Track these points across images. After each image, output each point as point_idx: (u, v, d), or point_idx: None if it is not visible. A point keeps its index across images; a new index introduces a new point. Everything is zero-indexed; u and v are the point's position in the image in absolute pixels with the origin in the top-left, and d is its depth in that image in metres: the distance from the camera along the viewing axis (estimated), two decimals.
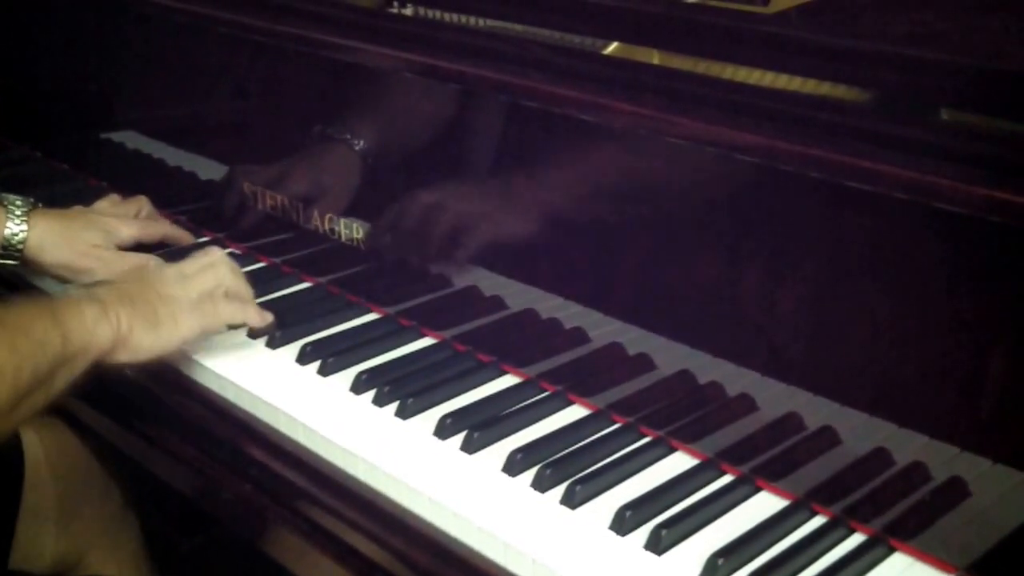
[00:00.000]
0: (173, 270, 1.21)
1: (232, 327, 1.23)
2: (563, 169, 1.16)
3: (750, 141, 0.97)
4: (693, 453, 1.07)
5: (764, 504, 1.01)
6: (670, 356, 1.10)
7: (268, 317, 1.24)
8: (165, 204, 1.55)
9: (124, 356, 1.12)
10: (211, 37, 1.48)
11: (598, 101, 1.08)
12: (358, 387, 1.16)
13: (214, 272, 1.22)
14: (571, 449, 1.06)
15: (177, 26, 1.52)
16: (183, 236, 1.48)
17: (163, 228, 1.47)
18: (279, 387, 1.17)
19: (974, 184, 0.85)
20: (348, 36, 1.30)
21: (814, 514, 0.99)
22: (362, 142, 1.32)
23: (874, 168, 0.90)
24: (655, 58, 1.16)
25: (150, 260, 1.37)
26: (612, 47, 1.14)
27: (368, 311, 1.30)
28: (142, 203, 1.48)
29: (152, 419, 1.26)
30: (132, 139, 1.68)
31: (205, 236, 1.51)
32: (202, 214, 1.54)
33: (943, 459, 0.94)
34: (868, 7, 1.05)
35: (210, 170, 1.56)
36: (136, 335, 1.12)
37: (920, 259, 0.92)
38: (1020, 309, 0.87)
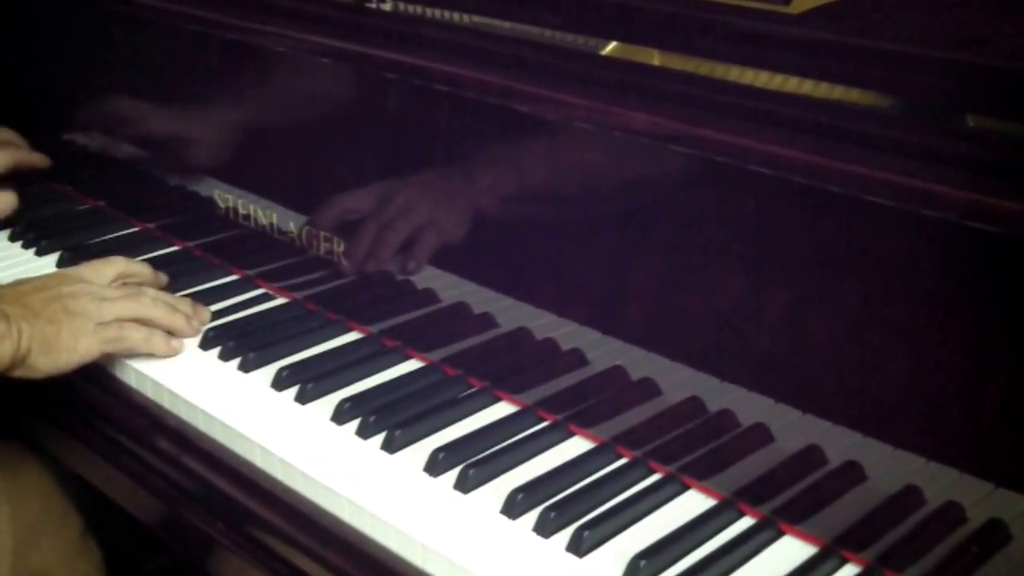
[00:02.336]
0: (93, 288, 1.17)
1: None
2: (557, 176, 1.09)
3: (766, 152, 0.89)
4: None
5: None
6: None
7: (179, 350, 1.17)
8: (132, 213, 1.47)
9: (20, 373, 1.10)
10: (180, 34, 1.38)
11: (598, 106, 0.99)
12: (340, 416, 1.07)
13: (136, 302, 1.17)
14: (575, 488, 0.97)
15: (140, 21, 1.42)
16: (36, 159, 1.48)
17: (14, 155, 1.45)
18: (253, 416, 1.08)
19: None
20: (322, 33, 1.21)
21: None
22: None
23: (924, 186, 0.82)
24: (655, 59, 1.07)
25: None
26: (610, 47, 1.05)
27: (348, 330, 1.21)
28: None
29: (115, 448, 1.17)
30: (97, 140, 1.58)
31: (174, 245, 1.41)
32: (167, 220, 1.45)
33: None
34: (896, 7, 0.96)
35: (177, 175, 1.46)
36: (33, 355, 1.10)
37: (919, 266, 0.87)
38: None
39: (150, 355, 1.16)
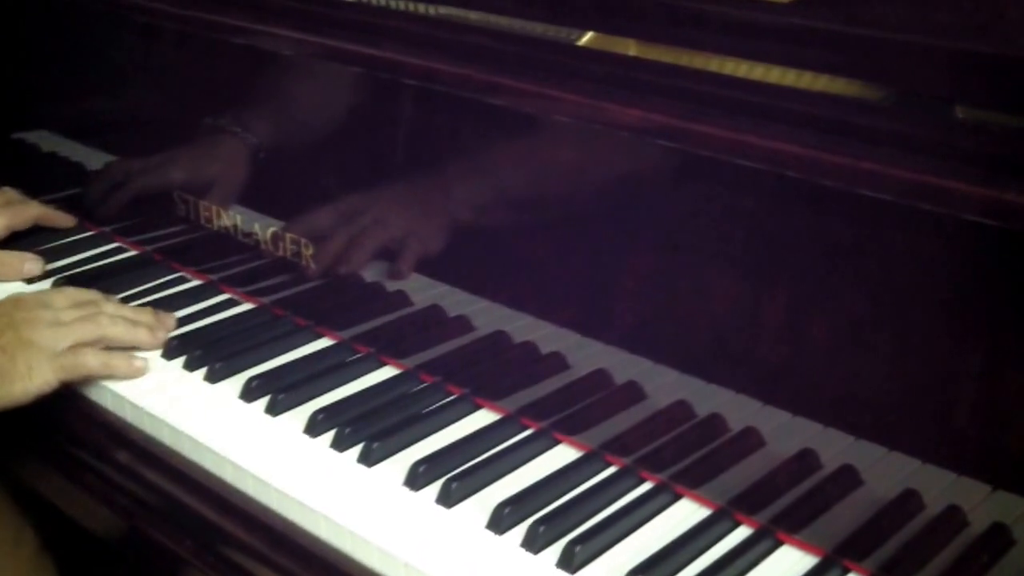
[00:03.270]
0: (49, 313, 1.11)
1: None
2: (534, 173, 1.05)
3: (750, 147, 0.85)
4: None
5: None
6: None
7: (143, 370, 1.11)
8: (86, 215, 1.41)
9: None
10: (115, 23, 1.33)
11: (577, 100, 0.95)
12: (314, 428, 1.02)
13: (94, 324, 1.11)
14: (563, 501, 0.93)
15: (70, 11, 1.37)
16: (59, 218, 1.39)
17: (33, 211, 1.37)
18: (223, 430, 1.03)
19: None
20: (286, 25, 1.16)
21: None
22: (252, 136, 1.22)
23: (918, 179, 0.79)
24: (632, 49, 1.03)
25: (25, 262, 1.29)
26: (587, 38, 1.00)
27: (319, 336, 1.16)
28: (5, 192, 1.38)
29: (74, 463, 1.12)
30: (46, 140, 1.52)
31: (132, 249, 1.35)
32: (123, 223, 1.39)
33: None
34: None
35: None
36: None
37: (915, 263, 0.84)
38: None
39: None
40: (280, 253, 1.20)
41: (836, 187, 0.82)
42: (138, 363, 1.10)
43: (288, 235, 1.19)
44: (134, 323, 1.14)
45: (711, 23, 0.92)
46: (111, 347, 1.12)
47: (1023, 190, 0.76)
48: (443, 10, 1.11)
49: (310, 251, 1.17)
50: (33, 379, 1.06)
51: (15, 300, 1.15)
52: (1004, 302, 0.80)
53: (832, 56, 0.86)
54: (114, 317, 1.13)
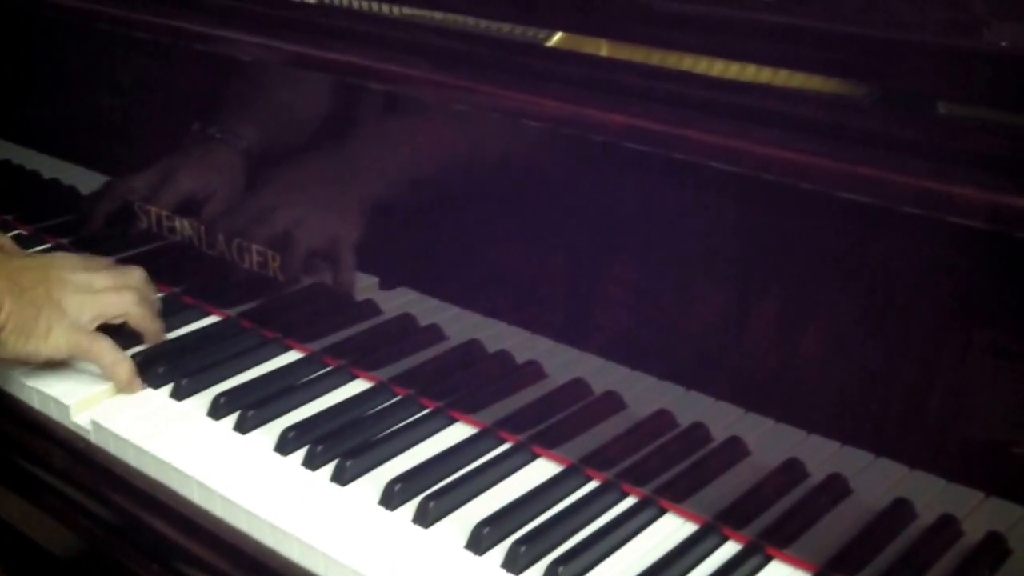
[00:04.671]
0: (82, 277, 1.11)
1: None
2: (502, 175, 1.02)
3: (731, 150, 0.82)
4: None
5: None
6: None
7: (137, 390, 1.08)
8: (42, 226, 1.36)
9: None
10: (83, 31, 1.29)
11: (545, 103, 0.92)
12: (285, 446, 0.98)
13: (120, 298, 1.11)
14: (544, 518, 0.90)
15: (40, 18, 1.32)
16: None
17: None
18: (189, 449, 0.99)
19: None
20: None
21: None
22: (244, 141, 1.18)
23: (899, 180, 0.76)
24: (604, 50, 0.99)
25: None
26: (556, 38, 0.97)
27: (287, 349, 1.13)
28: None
29: (34, 483, 1.08)
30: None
31: None
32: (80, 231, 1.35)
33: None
34: None
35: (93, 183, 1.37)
36: (5, 333, 1.04)
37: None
38: None
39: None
40: (245, 264, 1.16)
41: (815, 190, 0.79)
42: (137, 384, 1.07)
43: (252, 245, 1.15)
44: (154, 315, 1.13)
45: (689, 21, 0.89)
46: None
47: (1009, 190, 0.73)
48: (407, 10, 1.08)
49: (276, 261, 1.13)
50: (48, 342, 1.05)
51: (53, 257, 1.17)
52: (990, 303, 0.78)
53: (814, 53, 0.83)
54: (142, 299, 1.13)
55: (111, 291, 1.11)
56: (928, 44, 0.81)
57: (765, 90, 0.84)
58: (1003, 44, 0.79)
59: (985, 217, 0.74)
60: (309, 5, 1.13)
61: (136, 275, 1.14)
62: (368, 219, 1.10)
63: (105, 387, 1.07)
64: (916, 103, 0.81)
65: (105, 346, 1.07)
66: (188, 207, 1.22)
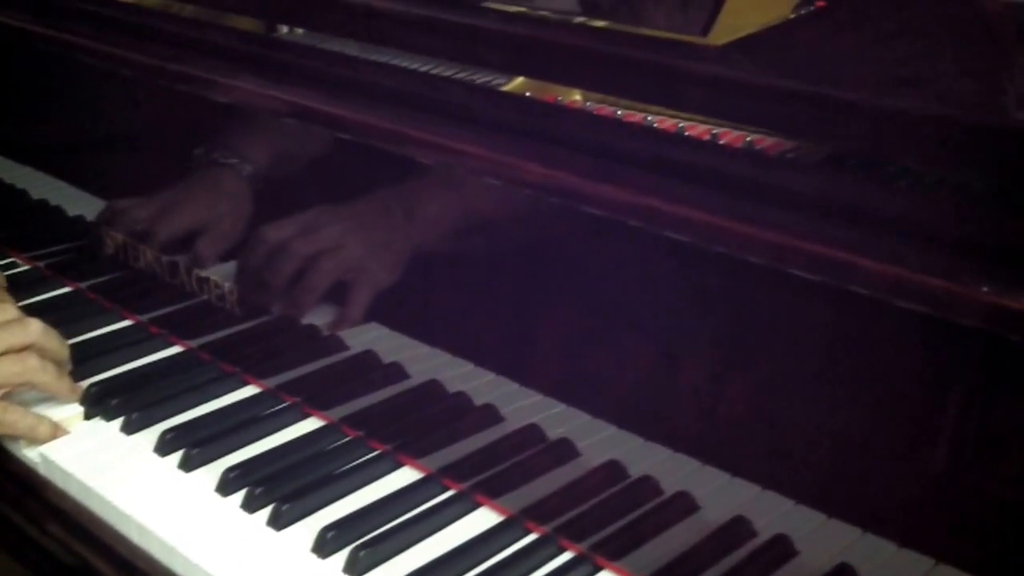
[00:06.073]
0: None
1: None
2: (463, 220, 1.01)
3: (673, 215, 0.79)
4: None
5: None
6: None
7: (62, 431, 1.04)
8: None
9: None
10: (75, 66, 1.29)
11: (497, 158, 0.89)
12: (226, 487, 0.97)
13: (20, 366, 1.02)
14: (477, 572, 0.88)
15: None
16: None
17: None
18: (133, 487, 0.98)
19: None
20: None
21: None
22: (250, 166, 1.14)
23: (847, 259, 0.73)
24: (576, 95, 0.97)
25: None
26: (516, 83, 0.95)
27: (244, 384, 1.11)
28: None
29: None
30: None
31: (66, 286, 1.30)
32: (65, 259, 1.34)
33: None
34: (827, 36, 0.87)
35: (81, 204, 1.37)
36: None
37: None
38: None
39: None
40: (205, 295, 1.15)
41: (754, 260, 0.76)
42: (61, 431, 1.04)
43: (211, 276, 1.14)
44: (61, 372, 1.07)
45: (639, 70, 0.87)
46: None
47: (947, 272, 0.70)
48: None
49: (234, 295, 1.12)
50: None
51: None
52: (935, 369, 0.76)
53: (761, 108, 0.81)
54: (44, 362, 1.05)
55: (8, 360, 1.02)
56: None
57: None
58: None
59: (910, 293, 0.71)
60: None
61: (33, 330, 1.05)
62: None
63: (58, 419, 1.06)
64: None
65: (14, 417, 1.02)
66: (187, 237, 1.21)
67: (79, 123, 1.40)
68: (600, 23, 0.91)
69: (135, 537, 0.94)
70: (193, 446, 1.00)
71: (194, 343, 1.17)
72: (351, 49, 1.05)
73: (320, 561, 0.89)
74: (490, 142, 0.85)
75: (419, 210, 1.03)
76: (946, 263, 0.69)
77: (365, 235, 1.08)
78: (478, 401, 1.04)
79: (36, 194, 1.46)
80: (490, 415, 1.03)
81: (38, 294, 1.27)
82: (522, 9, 0.95)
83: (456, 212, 1.01)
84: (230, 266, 1.18)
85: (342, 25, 1.05)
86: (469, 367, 1.05)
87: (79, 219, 1.38)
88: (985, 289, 0.67)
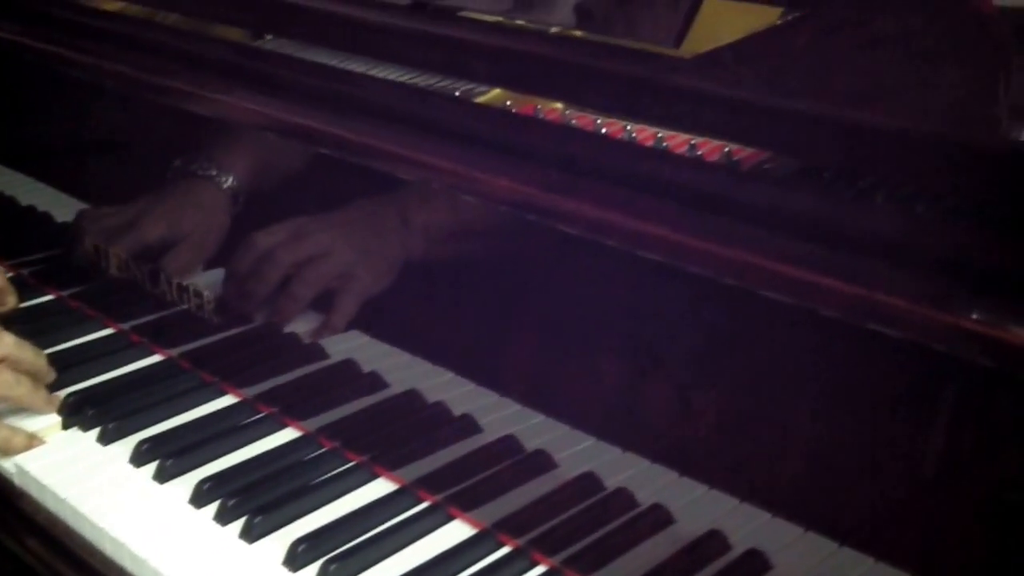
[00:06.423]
0: None
1: None
2: (458, 226, 1.00)
3: (637, 231, 0.79)
4: None
5: None
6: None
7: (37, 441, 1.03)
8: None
9: None
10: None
11: (471, 173, 0.89)
12: (199, 498, 0.96)
13: None
14: None
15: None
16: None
17: None
18: (107, 498, 0.97)
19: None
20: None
21: None
22: (231, 179, 1.14)
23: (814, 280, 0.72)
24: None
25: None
26: (492, 94, 0.94)
27: (223, 394, 1.11)
28: None
29: None
30: None
31: (48, 294, 1.30)
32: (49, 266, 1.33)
33: None
34: (801, 48, 0.87)
35: (71, 210, 1.36)
36: None
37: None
38: None
39: None
40: (184, 304, 1.15)
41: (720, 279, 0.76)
42: (37, 441, 1.04)
43: (190, 285, 1.14)
44: (36, 385, 1.07)
45: (611, 83, 0.86)
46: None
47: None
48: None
49: (211, 304, 1.11)
50: None
51: None
52: (911, 382, 0.75)
53: (729, 120, 0.80)
54: (18, 375, 1.05)
55: None
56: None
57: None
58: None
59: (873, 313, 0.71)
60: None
61: (5, 344, 1.05)
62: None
63: (36, 429, 1.06)
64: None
65: None
66: (159, 248, 1.20)
67: (66, 128, 1.40)
68: (574, 33, 0.90)
69: (108, 550, 0.94)
70: (168, 457, 1.00)
71: (175, 352, 1.16)
72: (326, 58, 1.04)
73: (291, 575, 0.89)
74: (459, 156, 0.85)
75: (408, 218, 1.02)
76: (913, 281, 0.68)
77: (353, 243, 1.08)
78: (457, 411, 1.04)
79: (24, 200, 1.46)
80: (468, 425, 1.02)
81: (21, 301, 1.26)
82: (499, 19, 0.95)
83: (444, 220, 1.01)
84: (212, 274, 1.18)
85: (321, 34, 1.04)
86: (449, 376, 1.05)
87: (67, 225, 1.38)
88: (958, 310, 0.66)
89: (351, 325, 1.11)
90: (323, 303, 1.11)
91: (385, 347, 1.10)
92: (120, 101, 1.27)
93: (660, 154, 0.80)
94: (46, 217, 1.42)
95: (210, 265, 1.19)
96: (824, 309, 0.71)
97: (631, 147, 0.80)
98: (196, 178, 1.16)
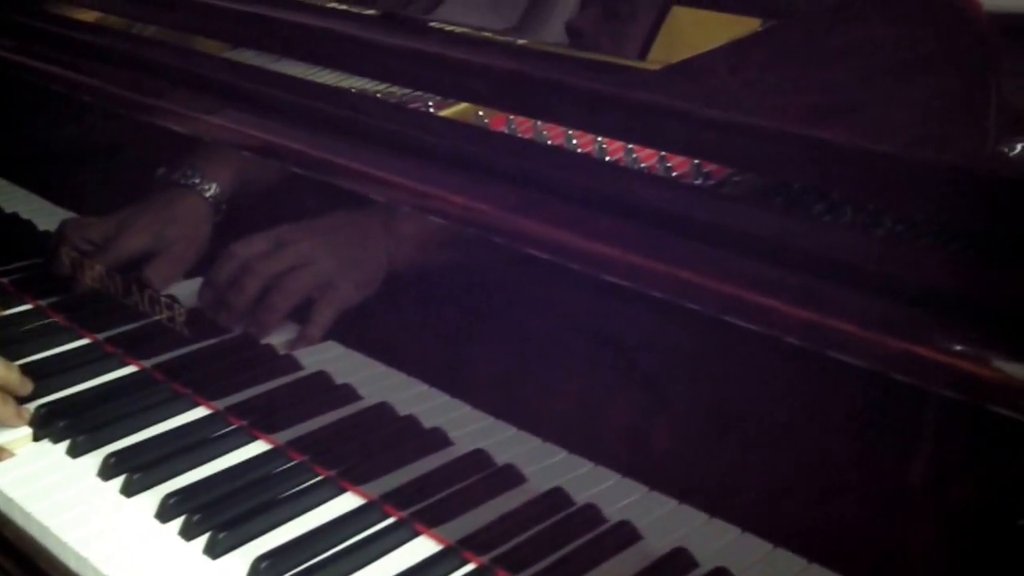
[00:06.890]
0: None
1: None
2: (438, 239, 0.99)
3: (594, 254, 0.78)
4: None
5: None
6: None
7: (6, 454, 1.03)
8: None
9: None
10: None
11: (441, 194, 0.88)
12: (165, 513, 0.96)
13: None
14: None
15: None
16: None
17: None
18: (73, 513, 0.97)
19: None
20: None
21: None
22: (215, 187, 1.13)
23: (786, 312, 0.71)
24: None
25: None
26: (458, 108, 0.93)
27: (195, 406, 1.10)
28: None
29: None
30: None
31: (27, 303, 1.29)
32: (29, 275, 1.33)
33: None
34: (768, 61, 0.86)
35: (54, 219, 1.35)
36: None
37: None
38: None
39: None
40: (155, 314, 1.14)
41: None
42: (7, 453, 1.04)
43: (160, 296, 1.13)
44: (4, 396, 1.07)
45: (575, 97, 0.85)
46: None
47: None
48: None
49: (182, 316, 1.11)
50: None
51: None
52: (884, 404, 0.74)
53: (690, 135, 0.79)
54: None
55: None
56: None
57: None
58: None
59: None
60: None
61: (11, 379, 1.06)
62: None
63: (5, 441, 1.05)
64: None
65: None
66: (138, 258, 1.20)
67: (49, 136, 1.40)
68: (538, 47, 0.89)
69: (72, 565, 0.93)
70: (135, 471, 0.99)
71: (148, 363, 1.16)
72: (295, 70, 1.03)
73: None
74: (427, 177, 0.84)
75: (390, 228, 1.01)
76: (870, 306, 0.68)
77: (334, 253, 1.07)
78: (427, 424, 1.03)
79: (8, 208, 1.46)
80: (438, 439, 1.01)
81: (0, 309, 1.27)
82: (466, 30, 0.94)
83: (425, 231, 1.00)
84: (186, 285, 1.17)
85: (290, 46, 1.04)
86: (423, 388, 1.04)
87: (48, 234, 1.37)
88: (915, 338, 0.65)
89: (327, 336, 1.10)
90: (300, 314, 1.11)
91: (359, 358, 1.09)
92: (103, 110, 1.27)
93: (620, 171, 0.79)
94: (29, 225, 1.42)
95: (188, 275, 1.19)
96: (783, 335, 0.71)
97: (590, 163, 0.79)
98: (179, 187, 1.15)
